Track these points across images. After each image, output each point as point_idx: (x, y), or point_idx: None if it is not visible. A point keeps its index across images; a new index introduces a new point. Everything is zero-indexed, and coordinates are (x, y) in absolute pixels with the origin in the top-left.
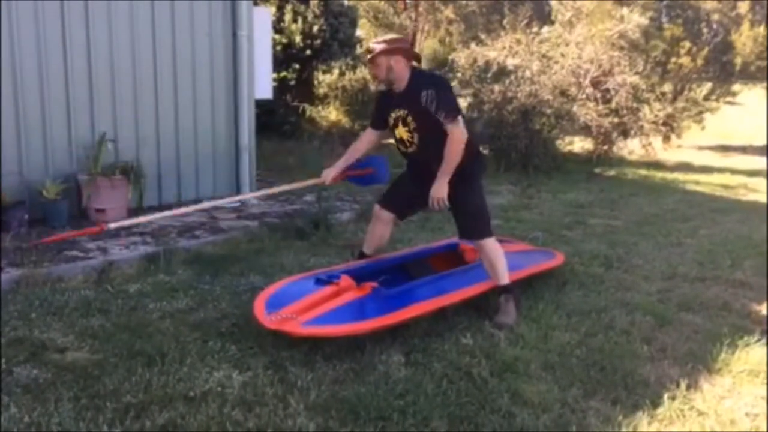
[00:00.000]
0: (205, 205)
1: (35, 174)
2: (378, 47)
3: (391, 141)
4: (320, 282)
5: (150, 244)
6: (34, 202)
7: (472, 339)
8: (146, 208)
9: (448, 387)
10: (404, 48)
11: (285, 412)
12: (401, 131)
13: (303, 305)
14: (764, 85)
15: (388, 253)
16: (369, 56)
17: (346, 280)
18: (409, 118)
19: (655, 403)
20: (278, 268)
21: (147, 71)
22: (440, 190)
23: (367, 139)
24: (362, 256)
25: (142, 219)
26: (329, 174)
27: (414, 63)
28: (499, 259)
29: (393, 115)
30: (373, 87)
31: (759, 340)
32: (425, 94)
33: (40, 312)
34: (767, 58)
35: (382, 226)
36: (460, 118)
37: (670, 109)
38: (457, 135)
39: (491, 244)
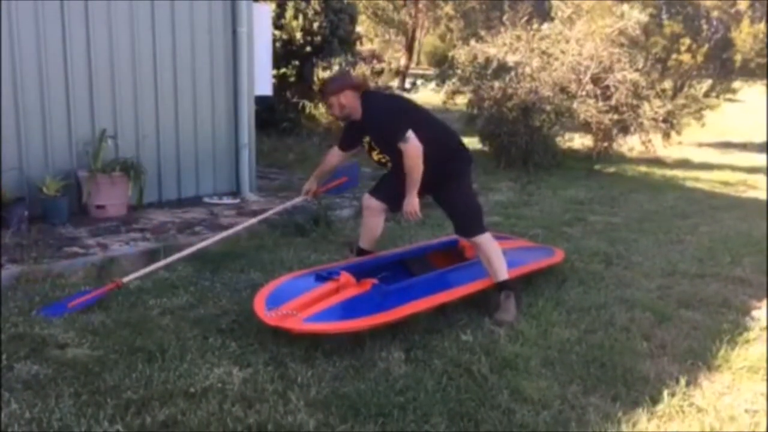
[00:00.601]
0: (254, 220)
1: (35, 170)
2: (326, 90)
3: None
4: (320, 278)
5: (150, 240)
6: (34, 199)
7: (472, 336)
8: (146, 204)
9: (448, 384)
10: (349, 83)
11: (285, 409)
12: (375, 154)
13: (303, 302)
14: (764, 82)
15: (387, 249)
16: (327, 99)
17: (345, 277)
18: (374, 143)
19: (655, 400)
20: (278, 265)
21: (147, 68)
22: (410, 204)
23: (334, 159)
24: (360, 252)
25: (169, 260)
26: (307, 188)
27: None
28: (496, 255)
29: (365, 140)
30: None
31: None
32: (375, 125)
33: (40, 308)
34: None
35: (373, 217)
36: (408, 133)
37: (670, 106)
38: (411, 151)
39: (486, 240)
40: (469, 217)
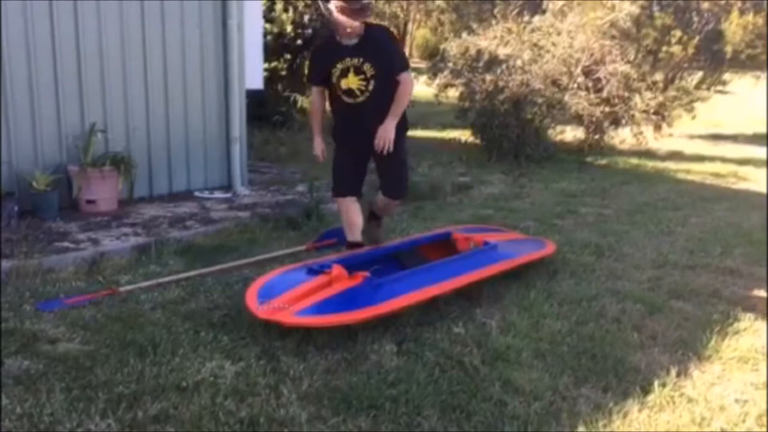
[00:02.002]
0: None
1: (25, 165)
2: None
3: None
4: (312, 272)
5: (141, 235)
6: (24, 194)
7: (464, 328)
8: (137, 199)
9: (440, 376)
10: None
11: (277, 402)
12: (351, 80)
13: (295, 295)
14: (755, 73)
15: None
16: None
17: (337, 270)
18: (366, 66)
19: (646, 390)
20: (270, 259)
21: (137, 61)
22: (390, 130)
23: (320, 100)
24: (352, 245)
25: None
26: (317, 148)
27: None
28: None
29: (339, 66)
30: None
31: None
32: (380, 49)
33: (32, 303)
34: (767, 47)
35: (350, 210)
36: (410, 69)
37: (661, 98)
38: (410, 81)
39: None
40: (402, 180)
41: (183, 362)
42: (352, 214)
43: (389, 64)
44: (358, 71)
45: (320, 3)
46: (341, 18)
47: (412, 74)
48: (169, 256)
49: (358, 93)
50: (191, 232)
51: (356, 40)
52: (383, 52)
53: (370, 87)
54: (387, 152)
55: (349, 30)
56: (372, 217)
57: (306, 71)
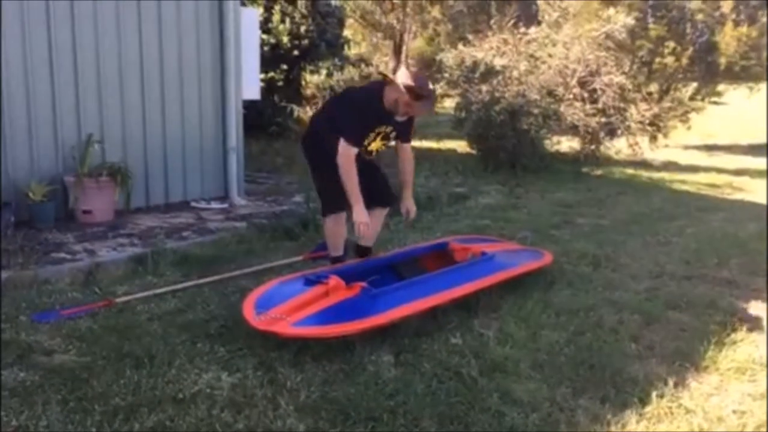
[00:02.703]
0: None
1: (21, 175)
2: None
3: None
4: (309, 282)
5: (137, 245)
6: (20, 204)
7: (462, 339)
8: (133, 209)
9: (438, 387)
10: None
11: (275, 414)
12: (377, 144)
13: (292, 306)
14: (748, 84)
15: (377, 253)
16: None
17: (335, 280)
18: (393, 134)
19: (644, 401)
20: (267, 269)
21: (134, 72)
22: (412, 203)
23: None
24: (337, 259)
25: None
26: (362, 217)
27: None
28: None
29: (377, 130)
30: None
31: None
32: (411, 120)
33: (27, 314)
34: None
35: (338, 226)
36: None
37: (656, 109)
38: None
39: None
40: (389, 187)
41: (180, 374)
42: (340, 232)
43: (405, 137)
44: (385, 137)
45: (396, 82)
46: (409, 100)
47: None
48: (165, 267)
49: (375, 153)
50: (188, 242)
51: (403, 120)
52: (408, 129)
53: (381, 149)
54: (371, 163)
55: (410, 111)
56: (362, 252)
57: (346, 128)
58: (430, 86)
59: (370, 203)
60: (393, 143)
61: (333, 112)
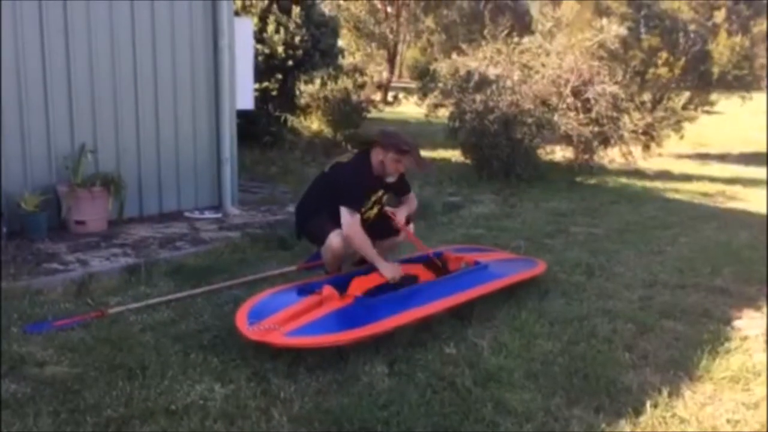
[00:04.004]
0: None
1: (14, 185)
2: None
3: None
4: (303, 292)
5: (131, 255)
6: (13, 214)
7: (456, 348)
8: (126, 219)
9: (432, 397)
10: None
11: (268, 425)
12: (373, 212)
13: (285, 316)
14: (741, 93)
15: None
16: (402, 154)
17: (328, 290)
18: (384, 198)
19: (638, 411)
20: (260, 279)
21: (127, 81)
22: (403, 215)
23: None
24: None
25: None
26: (392, 271)
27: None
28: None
29: (373, 198)
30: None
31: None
32: (401, 180)
33: (19, 325)
34: (767, 64)
35: (342, 252)
36: None
37: (649, 118)
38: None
39: None
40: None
41: (172, 385)
42: (339, 249)
43: (403, 190)
44: (378, 202)
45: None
46: (395, 156)
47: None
48: (158, 277)
49: (369, 221)
50: (181, 252)
51: (393, 180)
52: (397, 188)
53: (378, 213)
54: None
55: (399, 168)
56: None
57: (344, 196)
58: (410, 141)
59: (383, 235)
60: (380, 210)
61: (327, 185)
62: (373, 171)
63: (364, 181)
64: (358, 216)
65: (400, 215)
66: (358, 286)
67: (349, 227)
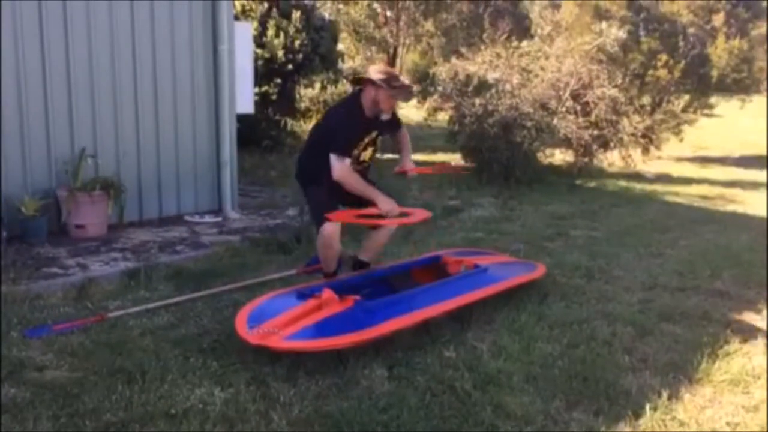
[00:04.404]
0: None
1: (13, 190)
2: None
3: None
4: (302, 296)
5: (130, 260)
6: (12, 219)
7: (455, 352)
8: (126, 223)
9: (432, 400)
10: None
11: (267, 429)
12: (368, 153)
13: (285, 319)
14: (740, 96)
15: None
16: (393, 89)
17: (328, 294)
18: (378, 138)
19: (637, 414)
20: (260, 283)
21: (127, 86)
22: (412, 165)
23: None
24: (330, 275)
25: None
26: (388, 204)
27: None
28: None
29: (366, 138)
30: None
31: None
32: (393, 118)
33: (19, 330)
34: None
35: (336, 240)
36: None
37: (648, 121)
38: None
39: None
40: None
41: (172, 389)
42: (337, 244)
43: (394, 129)
44: (373, 143)
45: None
46: (387, 91)
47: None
48: (158, 281)
49: (367, 163)
50: (181, 256)
51: (386, 118)
52: (391, 123)
53: (374, 156)
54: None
55: (392, 103)
56: (360, 266)
57: (333, 141)
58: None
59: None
60: (375, 151)
61: (321, 133)
62: (365, 111)
63: (354, 123)
64: (347, 159)
65: (408, 164)
66: (349, 214)
67: (339, 171)
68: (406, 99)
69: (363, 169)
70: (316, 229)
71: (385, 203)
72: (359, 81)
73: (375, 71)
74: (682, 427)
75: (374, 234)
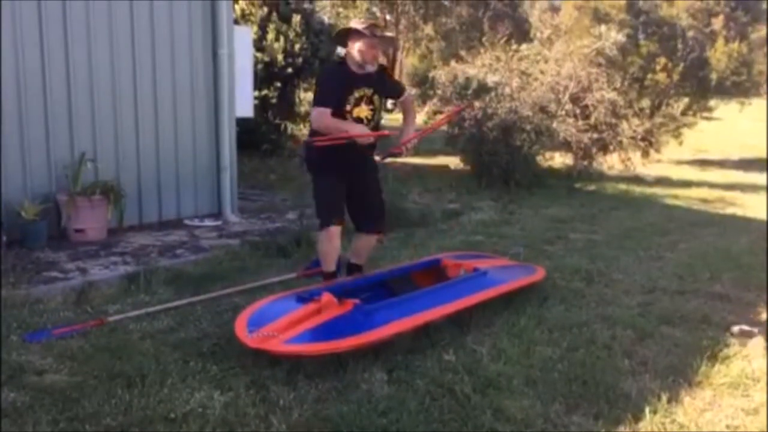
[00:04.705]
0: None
1: (13, 194)
2: (387, 42)
3: None
4: (302, 299)
5: (130, 264)
6: (12, 223)
7: (455, 355)
8: (126, 227)
9: (431, 404)
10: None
11: None
12: (362, 110)
13: (284, 323)
14: (739, 99)
15: (370, 269)
16: (375, 37)
17: (327, 297)
18: (376, 97)
19: (637, 417)
20: (260, 287)
21: (127, 90)
22: (412, 137)
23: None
24: (329, 276)
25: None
26: (359, 130)
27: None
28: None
29: (357, 94)
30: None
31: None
32: (387, 75)
33: (19, 334)
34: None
35: (332, 241)
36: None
37: (648, 125)
38: (410, 98)
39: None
40: (384, 213)
41: (171, 393)
42: (337, 243)
43: (394, 90)
44: (369, 102)
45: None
46: (368, 41)
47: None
48: (158, 285)
49: (365, 121)
50: (181, 260)
51: (372, 70)
52: (388, 87)
53: (376, 116)
54: (372, 186)
55: (375, 56)
56: (354, 269)
57: (314, 95)
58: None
59: (360, 227)
60: (390, 107)
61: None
62: (352, 68)
63: (337, 76)
64: (324, 111)
65: (407, 137)
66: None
67: (316, 121)
68: (387, 48)
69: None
70: (319, 223)
71: (357, 129)
72: (343, 35)
73: (356, 22)
74: (682, 430)
75: (359, 239)
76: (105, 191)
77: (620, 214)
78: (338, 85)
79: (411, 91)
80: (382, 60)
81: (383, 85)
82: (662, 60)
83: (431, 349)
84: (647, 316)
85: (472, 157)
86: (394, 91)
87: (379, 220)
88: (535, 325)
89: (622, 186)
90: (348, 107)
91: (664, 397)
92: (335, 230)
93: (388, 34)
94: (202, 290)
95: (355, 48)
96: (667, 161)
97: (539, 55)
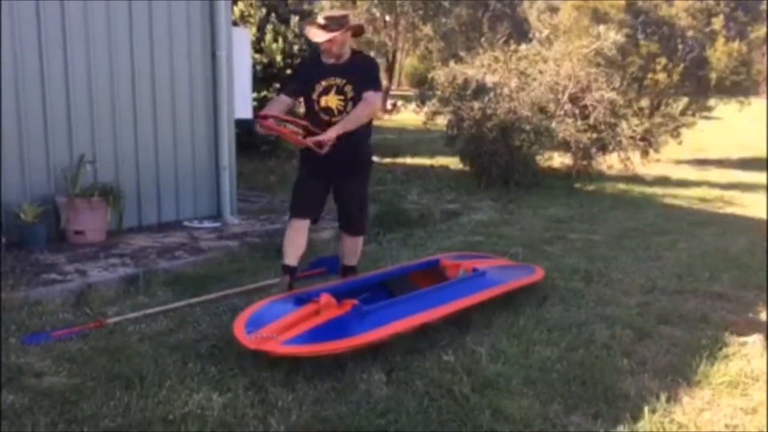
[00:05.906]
0: None
1: (12, 196)
2: (335, 22)
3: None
4: (300, 301)
5: (129, 265)
6: (11, 225)
7: (454, 356)
8: (125, 229)
9: (430, 405)
10: (355, 25)
11: None
12: (331, 99)
13: (283, 324)
14: (739, 99)
15: (368, 271)
16: (330, 34)
17: (326, 298)
18: (348, 87)
19: (636, 417)
20: (258, 288)
21: (126, 92)
22: (332, 135)
23: (285, 105)
24: (289, 268)
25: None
26: (324, 136)
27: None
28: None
29: (323, 83)
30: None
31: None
32: (362, 68)
33: (17, 336)
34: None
35: (301, 234)
36: (381, 94)
37: (647, 124)
38: (376, 101)
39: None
40: (366, 217)
41: (170, 394)
42: (300, 240)
43: (363, 83)
44: (339, 91)
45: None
46: (320, 32)
47: (379, 98)
48: (157, 287)
49: (336, 112)
50: (180, 262)
51: (342, 61)
52: (364, 77)
53: (348, 108)
54: (355, 188)
55: (327, 45)
56: (347, 270)
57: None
58: (340, 18)
59: (341, 226)
60: (389, 107)
61: None
62: (323, 59)
63: (306, 67)
64: (280, 96)
65: (327, 135)
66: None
67: (267, 109)
68: (356, 35)
69: (329, 118)
70: None
71: (290, 128)
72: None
73: (320, 16)
74: (681, 430)
75: (343, 239)
76: (104, 193)
77: (619, 213)
78: (304, 74)
79: (378, 96)
80: (379, 55)
81: (357, 75)
82: (662, 60)
83: (430, 349)
84: (646, 315)
85: (472, 157)
86: (366, 84)
87: (356, 222)
88: (534, 325)
89: (622, 186)
90: (314, 96)
91: (663, 397)
92: (296, 224)
93: (354, 22)
94: (201, 292)
95: (317, 40)
96: (666, 161)
97: (538, 56)
